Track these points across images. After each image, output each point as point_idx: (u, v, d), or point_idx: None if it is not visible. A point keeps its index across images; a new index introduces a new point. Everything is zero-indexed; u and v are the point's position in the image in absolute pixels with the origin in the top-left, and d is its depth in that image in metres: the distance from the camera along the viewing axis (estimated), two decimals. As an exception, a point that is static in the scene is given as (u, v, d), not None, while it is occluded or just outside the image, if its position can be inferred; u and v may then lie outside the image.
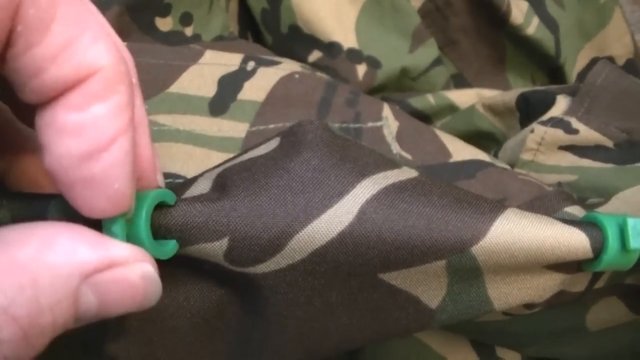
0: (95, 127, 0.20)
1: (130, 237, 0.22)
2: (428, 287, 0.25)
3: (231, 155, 0.28)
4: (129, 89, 0.20)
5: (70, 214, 0.22)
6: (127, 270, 0.21)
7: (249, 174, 0.25)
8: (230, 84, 0.36)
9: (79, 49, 0.19)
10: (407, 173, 0.26)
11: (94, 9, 0.21)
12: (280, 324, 0.26)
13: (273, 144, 0.26)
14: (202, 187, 0.25)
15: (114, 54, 0.20)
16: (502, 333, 0.35)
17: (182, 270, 0.24)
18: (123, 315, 0.22)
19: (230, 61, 0.37)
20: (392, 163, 0.26)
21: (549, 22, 0.54)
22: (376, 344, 0.37)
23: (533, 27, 0.53)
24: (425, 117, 0.51)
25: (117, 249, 0.21)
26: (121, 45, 0.21)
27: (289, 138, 0.26)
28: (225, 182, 0.25)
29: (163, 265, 0.23)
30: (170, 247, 0.23)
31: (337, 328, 0.26)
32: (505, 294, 0.26)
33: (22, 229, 0.20)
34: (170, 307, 0.26)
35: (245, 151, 0.27)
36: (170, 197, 0.24)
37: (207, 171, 0.27)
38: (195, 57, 0.37)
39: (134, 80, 0.22)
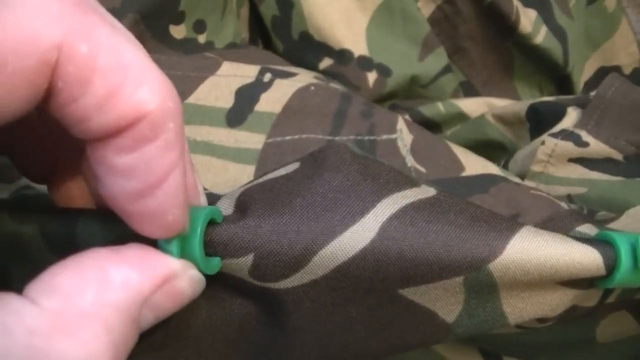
0: (146, 167, 0.20)
1: (184, 254, 0.23)
2: (445, 302, 0.26)
3: (248, 167, 0.29)
4: (177, 124, 0.20)
5: (100, 233, 0.22)
6: (178, 282, 0.22)
7: (271, 195, 0.25)
8: (247, 96, 0.36)
9: (122, 96, 0.19)
10: (426, 192, 0.26)
11: (131, 39, 0.20)
12: (300, 338, 0.26)
13: (292, 167, 0.27)
14: (224, 207, 0.26)
15: (160, 93, 0.19)
16: (512, 344, 0.35)
17: (207, 288, 0.25)
18: (148, 331, 0.22)
19: (247, 73, 0.38)
20: (411, 181, 0.27)
21: (558, 32, 0.54)
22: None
23: (541, 36, 0.53)
24: (435, 125, 0.52)
25: (166, 265, 0.21)
26: (161, 75, 0.20)
27: (309, 162, 0.27)
28: (248, 202, 0.25)
29: None
30: (215, 263, 0.24)
31: (355, 342, 0.27)
32: (520, 309, 0.27)
33: (71, 272, 0.20)
34: (193, 325, 0.26)
35: (264, 174, 0.28)
36: (218, 215, 0.24)
37: (228, 193, 0.27)
38: (212, 69, 0.37)
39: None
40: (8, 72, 0.17)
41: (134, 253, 0.21)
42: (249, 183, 0.27)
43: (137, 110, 0.19)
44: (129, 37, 0.20)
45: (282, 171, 0.27)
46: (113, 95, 0.19)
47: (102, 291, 0.19)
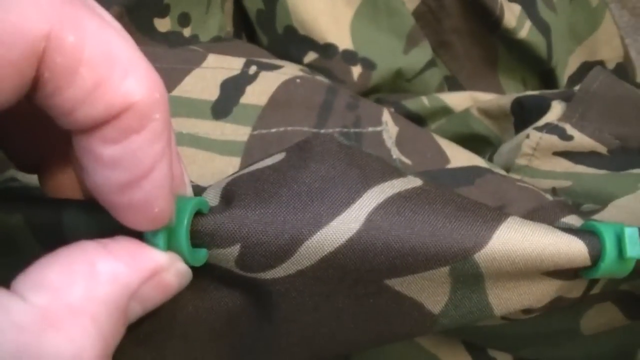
0: (132, 158, 0.19)
1: (171, 246, 0.23)
2: (432, 293, 0.26)
3: (234, 159, 0.29)
4: (164, 115, 0.20)
5: (86, 224, 0.22)
6: (165, 275, 0.22)
7: (258, 184, 0.25)
8: (232, 88, 0.36)
9: (109, 87, 0.19)
10: (412, 182, 0.26)
11: (120, 30, 0.20)
12: (287, 328, 0.26)
13: (278, 157, 0.27)
14: (210, 198, 0.26)
15: (146, 84, 0.19)
16: (496, 335, 0.35)
17: (193, 279, 0.25)
18: (134, 323, 0.22)
19: (233, 65, 0.38)
20: (398, 172, 0.27)
21: (541, 26, 0.54)
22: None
23: (525, 31, 0.54)
24: (419, 119, 0.52)
25: (153, 259, 0.22)
26: (148, 66, 0.20)
27: (295, 152, 0.27)
28: (234, 192, 0.25)
29: None
30: (202, 255, 0.24)
31: (342, 332, 0.27)
32: (505, 300, 0.27)
33: (60, 266, 0.20)
34: (179, 316, 0.26)
35: (249, 164, 0.28)
36: (205, 206, 0.24)
37: (214, 184, 0.27)
38: (198, 61, 0.37)
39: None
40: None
41: (121, 246, 0.21)
42: (234, 173, 0.27)
43: (124, 100, 0.19)
44: (118, 28, 0.20)
45: (268, 161, 0.27)
46: (100, 86, 0.18)
47: (90, 286, 0.19)
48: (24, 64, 0.18)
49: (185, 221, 0.23)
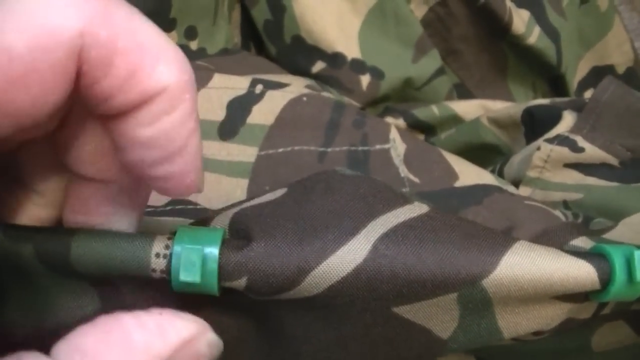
0: (166, 137, 0.21)
1: (204, 274, 0.23)
2: (440, 319, 0.26)
3: (241, 180, 0.29)
4: (192, 94, 0.21)
5: (94, 255, 0.22)
6: (196, 344, 0.23)
7: (261, 219, 0.25)
8: (239, 108, 0.36)
9: (142, 75, 0.20)
10: (418, 209, 0.26)
11: (145, 18, 0.21)
12: (295, 349, 0.26)
13: (280, 192, 0.27)
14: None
15: (176, 68, 0.20)
16: (508, 353, 0.35)
17: (206, 307, 0.25)
18: None
19: (239, 84, 0.37)
20: (404, 198, 0.26)
21: (550, 32, 0.54)
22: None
23: (534, 37, 0.53)
24: (429, 128, 0.52)
25: (185, 330, 0.22)
26: (175, 50, 0.21)
27: (298, 189, 0.27)
28: (239, 226, 0.25)
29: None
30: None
31: (350, 359, 0.27)
32: (515, 324, 0.26)
33: (97, 335, 0.21)
34: None
35: (251, 198, 0.28)
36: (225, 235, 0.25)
37: (219, 213, 0.27)
38: (203, 81, 0.37)
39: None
40: (45, 68, 0.18)
41: (154, 318, 0.22)
42: (238, 204, 0.27)
43: (157, 86, 0.20)
44: (142, 17, 0.21)
45: (270, 196, 0.27)
46: (134, 74, 0.20)
47: (125, 356, 0.20)
48: (67, 62, 0.19)
49: (217, 250, 0.23)
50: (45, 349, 0.21)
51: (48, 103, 0.19)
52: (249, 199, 0.28)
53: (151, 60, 0.20)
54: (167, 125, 0.20)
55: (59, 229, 0.24)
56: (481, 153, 0.47)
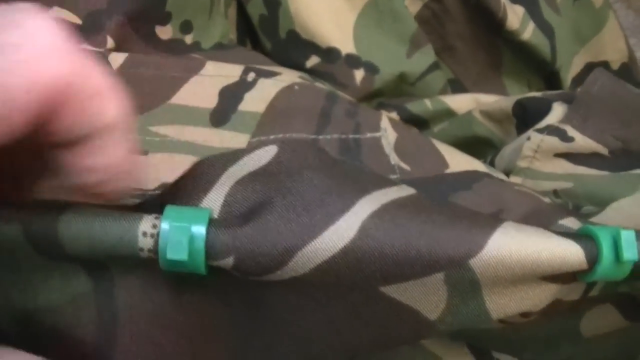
0: (105, 164, 0.23)
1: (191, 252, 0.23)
2: (428, 300, 0.26)
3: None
4: (126, 122, 0.23)
5: (81, 232, 0.22)
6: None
7: (251, 193, 0.25)
8: (231, 96, 0.36)
9: (90, 114, 0.22)
10: (405, 190, 0.26)
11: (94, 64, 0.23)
12: (284, 331, 0.26)
13: (271, 151, 0.27)
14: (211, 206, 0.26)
15: (117, 105, 0.23)
16: (499, 339, 0.35)
17: (194, 288, 0.25)
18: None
19: (231, 72, 0.38)
20: (391, 182, 0.27)
21: (545, 28, 0.54)
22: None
23: (529, 33, 0.54)
24: (422, 122, 0.52)
25: None
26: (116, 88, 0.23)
27: (288, 154, 0.27)
28: (230, 202, 0.25)
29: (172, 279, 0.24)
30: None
31: (339, 339, 0.27)
32: (503, 305, 0.27)
33: None
34: (179, 316, 0.27)
35: (239, 157, 0.27)
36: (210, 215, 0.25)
37: (214, 190, 0.27)
38: (196, 69, 0.37)
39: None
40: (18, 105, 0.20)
41: None
42: (233, 160, 0.27)
43: (101, 123, 0.22)
44: (92, 57, 0.23)
45: (262, 158, 0.27)
46: (83, 114, 0.22)
47: None
48: (40, 104, 0.20)
49: (204, 229, 0.24)
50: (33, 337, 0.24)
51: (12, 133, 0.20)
52: (236, 157, 0.27)
53: (99, 101, 0.22)
54: (107, 154, 0.23)
55: (47, 207, 0.24)
56: (474, 146, 0.47)
